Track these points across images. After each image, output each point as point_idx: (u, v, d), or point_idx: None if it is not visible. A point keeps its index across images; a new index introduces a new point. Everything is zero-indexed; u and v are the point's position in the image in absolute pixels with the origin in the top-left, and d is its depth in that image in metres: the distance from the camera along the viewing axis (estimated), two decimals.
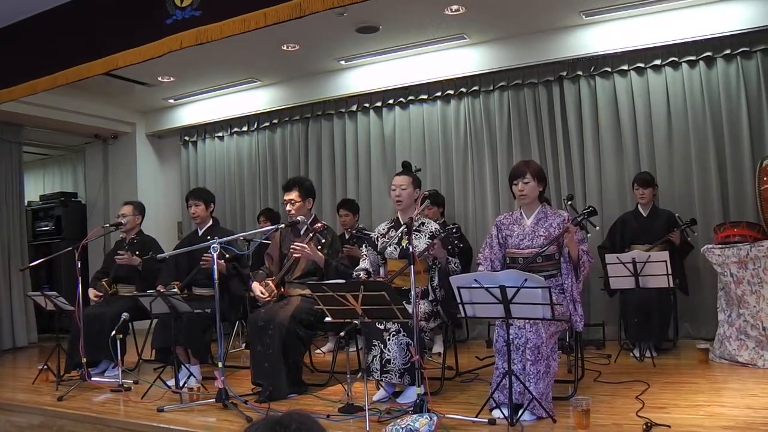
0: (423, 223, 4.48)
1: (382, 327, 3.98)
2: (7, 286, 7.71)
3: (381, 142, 7.45)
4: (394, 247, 4.45)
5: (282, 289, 4.74)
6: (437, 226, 4.50)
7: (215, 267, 4.15)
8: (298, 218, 4.75)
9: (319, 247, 4.60)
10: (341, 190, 7.61)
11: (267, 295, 4.68)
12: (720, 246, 4.78)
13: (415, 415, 3.26)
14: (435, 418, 3.23)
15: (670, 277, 4.82)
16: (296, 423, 1.33)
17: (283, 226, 4.82)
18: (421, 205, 4.03)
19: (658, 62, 6.10)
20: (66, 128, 8.41)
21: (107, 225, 5.97)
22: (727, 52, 5.81)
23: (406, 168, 4.61)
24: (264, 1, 4.30)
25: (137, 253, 5.54)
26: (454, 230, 4.13)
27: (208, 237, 4.84)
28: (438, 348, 5.62)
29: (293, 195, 4.78)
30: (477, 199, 6.89)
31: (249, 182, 8.37)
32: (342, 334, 3.93)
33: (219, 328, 4.21)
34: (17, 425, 4.56)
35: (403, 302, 3.52)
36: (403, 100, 7.28)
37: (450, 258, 4.29)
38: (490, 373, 4.01)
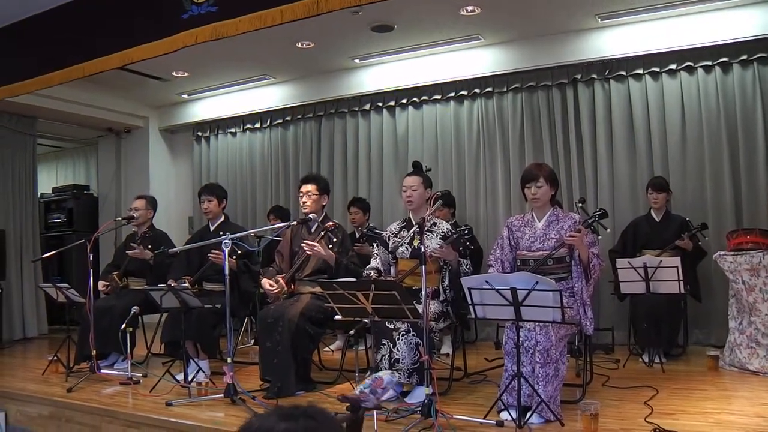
0: (435, 224, 4.49)
1: (391, 326, 3.99)
2: (19, 277, 7.77)
3: (393, 141, 7.45)
4: (406, 247, 4.46)
5: (292, 287, 4.75)
6: (449, 227, 4.50)
7: (226, 263, 4.16)
8: (310, 216, 4.76)
9: (330, 245, 4.61)
10: (353, 189, 7.61)
11: (276, 287, 4.68)
12: (732, 253, 4.75)
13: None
14: (397, 375, 3.27)
15: (682, 283, 4.80)
16: (320, 416, 1.30)
17: (294, 223, 4.83)
18: (433, 205, 4.02)
19: (673, 66, 6.07)
20: (80, 121, 8.46)
21: (119, 218, 5.99)
22: (744, 57, 5.77)
23: (417, 168, 4.60)
24: None
25: (149, 247, 5.57)
26: (465, 232, 4.14)
27: (220, 233, 4.86)
28: (447, 349, 5.62)
29: (311, 187, 4.80)
30: (488, 200, 6.88)
31: (261, 179, 8.40)
32: (351, 332, 3.93)
33: (229, 323, 4.23)
34: (27, 415, 4.60)
35: (414, 302, 3.52)
36: (417, 100, 7.28)
37: (461, 259, 4.29)
38: (498, 374, 4.01)
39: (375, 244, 4.79)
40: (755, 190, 5.73)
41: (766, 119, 5.73)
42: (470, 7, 5.73)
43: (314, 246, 4.47)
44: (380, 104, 7.49)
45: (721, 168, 5.87)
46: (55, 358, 5.28)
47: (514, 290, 3.22)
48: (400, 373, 3.92)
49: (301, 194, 4.84)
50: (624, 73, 6.27)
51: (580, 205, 5.47)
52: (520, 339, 3.41)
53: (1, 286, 7.26)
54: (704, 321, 5.84)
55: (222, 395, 4.07)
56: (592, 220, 3.92)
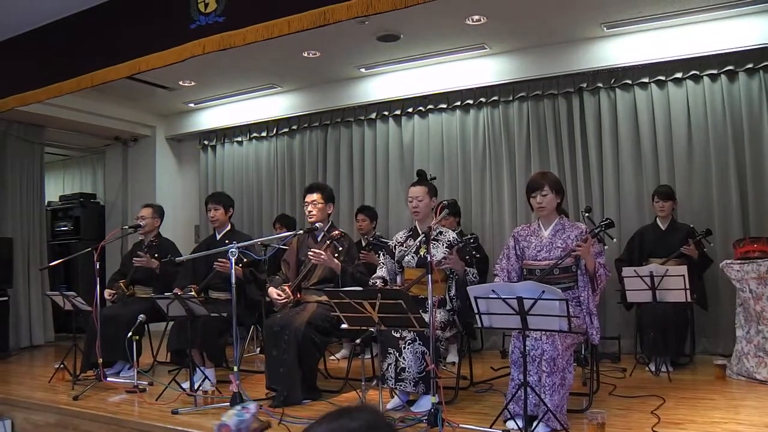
0: (441, 233, 4.49)
1: (397, 335, 3.98)
2: (26, 285, 7.79)
3: (399, 150, 7.46)
4: (412, 256, 4.46)
5: (298, 295, 4.76)
6: (455, 236, 4.51)
7: (233, 271, 4.17)
8: (317, 225, 4.77)
9: (336, 254, 4.62)
10: (359, 197, 7.62)
11: (283, 296, 4.69)
12: (739, 261, 4.74)
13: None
14: (252, 407, 3.37)
15: (688, 291, 4.79)
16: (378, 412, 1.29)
17: (301, 232, 4.84)
18: (439, 214, 4.02)
19: (679, 75, 6.06)
20: (87, 130, 8.49)
21: (126, 227, 6.00)
22: (750, 66, 5.76)
23: (421, 177, 4.61)
24: (288, 8, 4.32)
25: (156, 255, 5.59)
26: (471, 240, 4.14)
27: (227, 241, 4.88)
28: (452, 357, 5.61)
29: (315, 197, 4.81)
30: (494, 209, 6.87)
31: (267, 187, 8.41)
32: (357, 341, 3.93)
33: (235, 332, 4.24)
34: (34, 423, 4.61)
35: (420, 311, 3.52)
36: (422, 109, 7.28)
37: (468, 268, 4.29)
38: (504, 383, 4.00)
39: (381, 253, 4.79)
40: (762, 199, 5.71)
41: None
42: (476, 17, 5.74)
43: (321, 255, 4.48)
44: (386, 113, 7.50)
45: (728, 176, 5.86)
46: (62, 366, 5.30)
47: (520, 299, 3.22)
48: (405, 382, 3.92)
49: (306, 203, 4.85)
50: (630, 81, 6.26)
51: (587, 214, 5.44)
52: (527, 348, 3.40)
53: (8, 293, 7.28)
54: (711, 330, 5.81)
55: (228, 404, 4.06)
56: (599, 229, 3.92)
